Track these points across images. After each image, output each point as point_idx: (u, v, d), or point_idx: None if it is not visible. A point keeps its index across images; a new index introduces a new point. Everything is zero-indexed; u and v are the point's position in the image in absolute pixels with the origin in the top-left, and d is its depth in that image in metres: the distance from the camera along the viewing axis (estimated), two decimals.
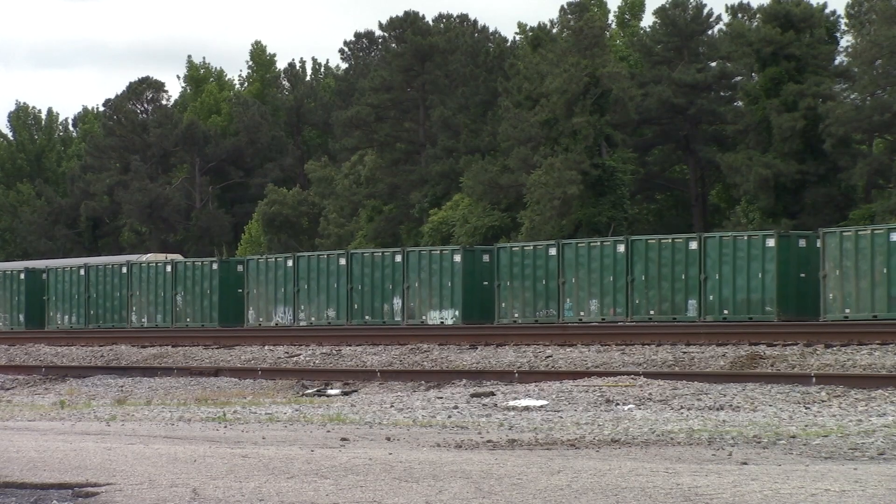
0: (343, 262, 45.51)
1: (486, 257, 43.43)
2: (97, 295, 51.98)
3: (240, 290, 48.32)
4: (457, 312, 42.72)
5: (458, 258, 43.12)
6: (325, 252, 49.69)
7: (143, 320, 50.32)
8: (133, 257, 61.17)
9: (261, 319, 47.21)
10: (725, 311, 38.11)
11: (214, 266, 49.38)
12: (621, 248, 40.16)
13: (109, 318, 51.33)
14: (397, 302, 44.10)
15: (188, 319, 49.01)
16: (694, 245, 38.95)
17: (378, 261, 45.00)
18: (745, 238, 38.81)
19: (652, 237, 41.08)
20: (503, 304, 42.15)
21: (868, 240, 35.83)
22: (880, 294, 35.40)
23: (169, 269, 50.19)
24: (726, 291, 38.19)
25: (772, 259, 37.57)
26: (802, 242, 38.21)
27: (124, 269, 51.50)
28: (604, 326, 36.08)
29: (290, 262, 46.99)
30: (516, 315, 41.75)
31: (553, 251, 41.55)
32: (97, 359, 36.29)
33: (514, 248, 43.25)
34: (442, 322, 42.56)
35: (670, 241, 39.91)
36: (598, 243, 41.51)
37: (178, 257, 58.74)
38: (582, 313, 40.51)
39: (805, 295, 37.43)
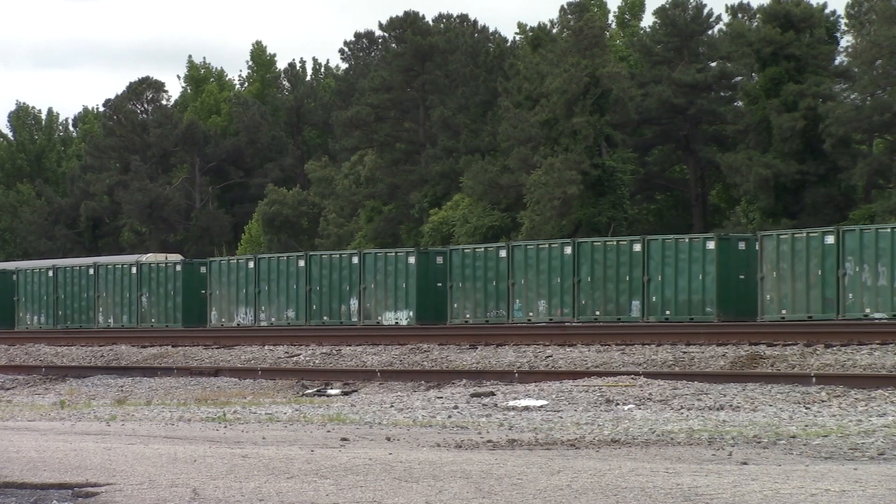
0: (302, 263, 46.07)
1: (439, 259, 43.97)
2: (65, 296, 52.51)
3: (203, 292, 48.77)
4: (411, 313, 43.19)
5: (412, 260, 43.70)
6: (283, 254, 50.17)
7: (109, 321, 50.82)
8: (132, 258, 61.22)
9: (223, 320, 47.75)
10: (667, 312, 38.79)
11: (178, 268, 50.12)
12: (568, 250, 40.87)
13: (77, 319, 51.95)
14: (354, 303, 44.59)
15: (153, 320, 49.67)
16: (637, 247, 39.66)
17: (336, 262, 45.54)
18: (687, 240, 39.47)
19: (598, 239, 42.02)
20: (455, 305, 42.77)
21: (804, 243, 36.75)
22: (815, 295, 36.39)
23: (134, 270, 50.87)
24: (668, 292, 38.87)
25: (712, 261, 38.26)
26: (742, 245, 39.00)
27: (91, 271, 52.12)
28: (604, 326, 36.09)
29: (251, 264, 47.65)
30: (468, 315, 42.37)
31: (503, 253, 42.27)
32: (97, 359, 36.27)
33: (465, 250, 43.89)
34: (396, 323, 43.05)
35: (615, 243, 40.85)
36: (546, 245, 42.24)
37: (177, 257, 58.81)
38: (531, 314, 41.05)
39: (744, 296, 38.15)
